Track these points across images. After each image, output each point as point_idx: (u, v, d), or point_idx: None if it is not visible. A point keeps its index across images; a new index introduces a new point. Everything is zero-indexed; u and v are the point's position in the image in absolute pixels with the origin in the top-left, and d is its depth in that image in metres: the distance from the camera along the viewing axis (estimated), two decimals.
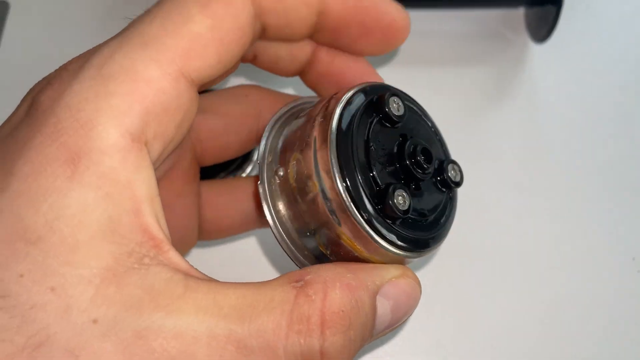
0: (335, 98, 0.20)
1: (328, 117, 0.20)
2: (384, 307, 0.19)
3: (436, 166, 0.22)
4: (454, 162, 0.23)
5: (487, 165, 0.37)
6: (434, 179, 0.22)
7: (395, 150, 0.21)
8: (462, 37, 0.42)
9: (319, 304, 0.17)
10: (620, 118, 0.39)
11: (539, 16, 0.39)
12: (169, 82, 0.17)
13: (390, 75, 0.39)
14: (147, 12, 0.18)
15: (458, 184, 0.22)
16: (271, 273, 0.34)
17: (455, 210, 0.23)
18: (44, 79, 0.18)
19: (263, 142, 0.22)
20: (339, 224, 0.19)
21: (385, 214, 0.19)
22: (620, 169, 0.37)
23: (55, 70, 0.18)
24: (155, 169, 0.18)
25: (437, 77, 0.40)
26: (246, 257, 0.34)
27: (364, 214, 0.19)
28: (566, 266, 0.35)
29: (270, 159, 0.21)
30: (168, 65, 0.17)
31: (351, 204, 0.19)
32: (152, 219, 0.17)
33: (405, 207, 0.19)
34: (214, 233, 0.28)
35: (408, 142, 0.21)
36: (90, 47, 0.18)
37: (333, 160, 0.19)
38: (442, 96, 0.39)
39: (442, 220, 0.22)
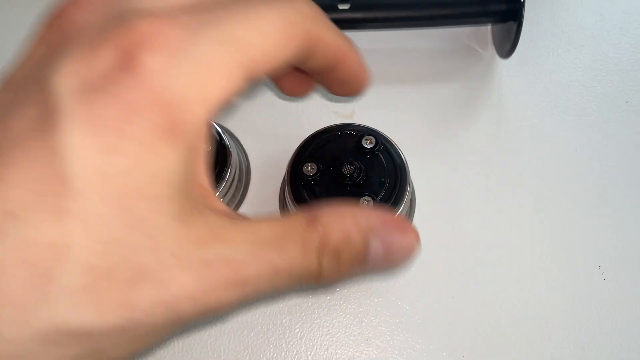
0: None
1: None
2: (376, 246, 0.23)
3: None
4: None
5: (459, 175, 0.39)
6: None
7: None
8: (433, 53, 0.43)
9: (320, 235, 0.22)
10: (583, 130, 0.40)
11: (503, 32, 0.40)
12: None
13: (369, 95, 0.41)
14: None
15: None
16: None
17: None
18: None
19: None
20: None
21: None
22: (586, 179, 0.38)
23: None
24: None
25: (408, 93, 0.41)
26: None
27: None
28: (532, 275, 0.35)
29: None
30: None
31: None
32: (205, 176, 0.22)
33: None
34: None
35: None
36: None
37: None
38: (414, 111, 0.41)
39: None
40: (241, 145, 0.39)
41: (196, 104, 0.20)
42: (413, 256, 0.23)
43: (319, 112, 0.40)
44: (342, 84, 0.27)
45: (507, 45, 0.39)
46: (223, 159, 0.35)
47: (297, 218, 0.22)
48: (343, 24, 0.40)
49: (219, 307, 0.21)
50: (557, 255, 0.36)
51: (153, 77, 0.19)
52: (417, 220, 0.37)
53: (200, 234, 0.20)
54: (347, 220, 0.23)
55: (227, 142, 0.35)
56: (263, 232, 0.22)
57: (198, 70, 0.20)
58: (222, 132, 0.36)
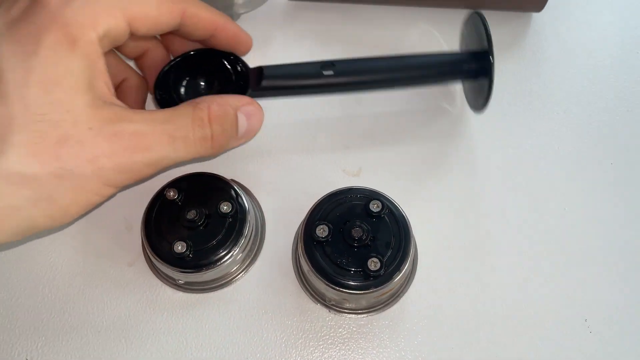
0: None
1: None
2: (242, 119, 0.33)
3: None
4: None
5: (452, 231, 0.41)
6: None
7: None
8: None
9: (206, 111, 0.32)
10: (573, 189, 0.42)
11: (475, 88, 0.44)
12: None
13: (377, 154, 0.43)
14: None
15: None
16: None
17: None
18: None
19: None
20: None
21: None
22: (564, 232, 0.40)
23: None
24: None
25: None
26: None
27: None
28: (522, 327, 0.37)
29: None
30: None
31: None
32: (109, 84, 0.30)
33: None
34: None
35: None
36: None
37: None
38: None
39: None
40: (257, 201, 0.42)
41: (88, 27, 0.28)
42: (260, 126, 0.35)
43: (328, 170, 0.43)
44: (227, 47, 0.37)
45: (480, 100, 0.42)
46: (242, 216, 0.37)
47: (184, 104, 0.32)
48: (329, 88, 0.42)
49: (134, 167, 0.29)
50: (544, 308, 0.38)
51: (55, 7, 0.28)
52: (418, 273, 0.38)
53: (108, 116, 0.28)
54: (222, 102, 0.33)
55: (245, 200, 0.37)
56: (158, 114, 0.30)
57: (88, 5, 0.29)
58: (239, 190, 0.38)
